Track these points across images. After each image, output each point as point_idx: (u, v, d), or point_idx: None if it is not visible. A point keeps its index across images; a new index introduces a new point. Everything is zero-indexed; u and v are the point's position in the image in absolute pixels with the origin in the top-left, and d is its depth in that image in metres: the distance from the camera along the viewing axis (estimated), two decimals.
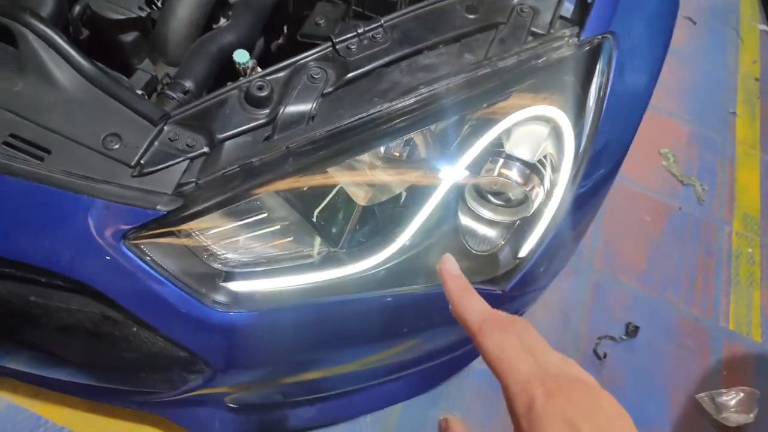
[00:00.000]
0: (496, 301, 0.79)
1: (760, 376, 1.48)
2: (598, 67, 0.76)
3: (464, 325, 0.40)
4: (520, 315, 0.87)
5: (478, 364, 1.27)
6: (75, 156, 0.69)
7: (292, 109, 0.72)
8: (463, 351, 1.02)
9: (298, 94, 0.72)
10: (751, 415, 1.37)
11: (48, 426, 1.14)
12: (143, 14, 0.87)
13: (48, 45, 0.71)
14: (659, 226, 1.70)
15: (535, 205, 0.77)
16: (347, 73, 0.74)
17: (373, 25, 0.77)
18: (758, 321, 1.58)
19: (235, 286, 0.74)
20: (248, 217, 0.72)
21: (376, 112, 0.71)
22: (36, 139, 0.69)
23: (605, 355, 1.43)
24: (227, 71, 0.90)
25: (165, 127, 0.72)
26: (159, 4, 0.98)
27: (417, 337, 0.89)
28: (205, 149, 0.71)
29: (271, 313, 0.75)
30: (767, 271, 1.68)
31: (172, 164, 0.70)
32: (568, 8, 0.79)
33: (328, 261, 0.76)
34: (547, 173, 0.76)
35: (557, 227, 0.78)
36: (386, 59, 0.75)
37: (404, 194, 0.78)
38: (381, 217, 0.80)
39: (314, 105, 0.72)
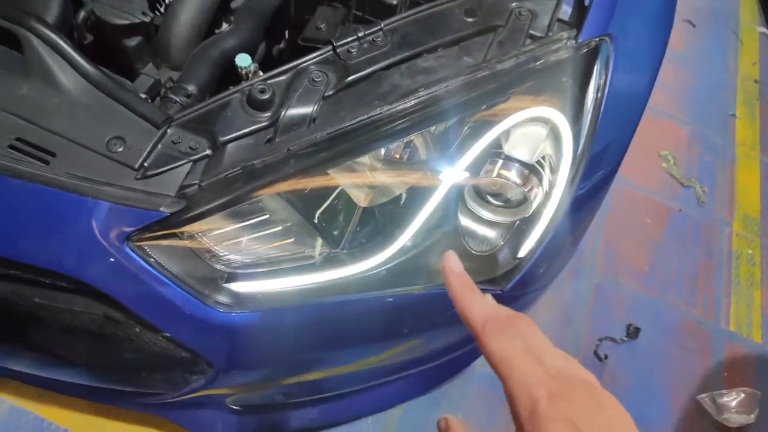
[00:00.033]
0: (496, 301, 0.80)
1: (761, 377, 1.48)
2: (595, 68, 0.76)
3: (467, 324, 0.40)
4: None
5: (479, 365, 1.27)
6: (79, 159, 0.69)
7: (294, 111, 0.73)
8: (463, 351, 1.03)
9: (299, 97, 0.73)
10: (752, 416, 1.37)
11: (51, 428, 1.15)
12: (146, 19, 0.88)
13: (53, 50, 0.71)
14: (660, 227, 1.70)
15: (534, 205, 0.77)
16: (348, 76, 0.74)
17: (373, 29, 0.77)
18: (759, 322, 1.59)
19: (238, 287, 0.74)
20: (250, 219, 0.73)
21: (376, 115, 0.72)
22: (41, 142, 0.69)
23: (606, 357, 1.43)
24: (229, 75, 0.90)
25: (168, 130, 0.72)
26: (162, 10, 0.99)
27: (418, 338, 0.89)
28: (208, 152, 0.72)
29: (273, 314, 0.75)
30: (767, 272, 1.69)
31: (175, 167, 0.71)
32: (565, 11, 0.79)
33: (329, 262, 0.76)
34: (546, 174, 0.77)
35: (556, 227, 0.79)
36: (386, 62, 0.75)
37: (404, 195, 0.79)
38: (381, 218, 0.80)
39: (315, 108, 0.73)
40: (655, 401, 1.40)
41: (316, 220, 0.74)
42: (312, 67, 0.76)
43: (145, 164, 0.70)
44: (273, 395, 1.02)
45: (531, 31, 0.77)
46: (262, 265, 0.76)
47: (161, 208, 0.68)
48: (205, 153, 0.72)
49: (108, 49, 0.90)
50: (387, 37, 0.77)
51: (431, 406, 1.26)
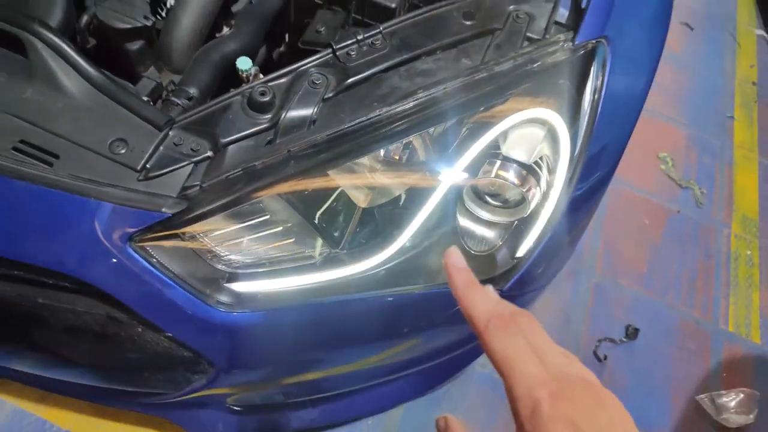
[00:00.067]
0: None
1: (760, 377, 1.48)
2: (592, 70, 0.77)
3: (470, 322, 0.40)
4: None
5: (479, 365, 1.28)
6: (83, 161, 0.70)
7: (294, 113, 0.73)
8: (464, 350, 1.03)
9: (299, 99, 0.74)
10: (751, 416, 1.38)
11: (53, 430, 1.15)
12: (148, 23, 0.89)
13: (57, 53, 0.72)
14: (659, 229, 1.71)
15: (532, 205, 0.78)
16: (347, 79, 0.75)
17: (373, 32, 0.78)
18: (757, 323, 1.59)
19: (239, 287, 0.75)
20: (251, 219, 0.74)
21: (375, 116, 0.72)
22: (45, 145, 0.70)
23: (605, 357, 1.43)
24: (230, 78, 0.91)
25: (170, 132, 0.73)
26: (164, 14, 1.00)
27: (417, 337, 0.90)
28: (209, 153, 0.72)
29: (274, 313, 0.76)
30: (766, 273, 1.69)
31: (177, 168, 0.71)
32: (562, 14, 0.80)
33: (329, 262, 0.77)
34: (544, 175, 0.77)
35: (554, 228, 0.79)
36: (385, 65, 0.76)
37: (403, 196, 0.80)
38: (381, 219, 0.81)
39: (315, 110, 0.74)
40: (654, 402, 1.40)
41: (316, 221, 0.75)
42: (312, 69, 0.77)
43: (148, 166, 0.71)
44: (273, 395, 1.02)
45: (528, 34, 0.78)
46: (262, 265, 0.76)
47: (163, 209, 0.69)
48: (206, 154, 0.72)
49: (110, 53, 0.91)
50: (386, 40, 0.78)
51: (432, 406, 1.26)
